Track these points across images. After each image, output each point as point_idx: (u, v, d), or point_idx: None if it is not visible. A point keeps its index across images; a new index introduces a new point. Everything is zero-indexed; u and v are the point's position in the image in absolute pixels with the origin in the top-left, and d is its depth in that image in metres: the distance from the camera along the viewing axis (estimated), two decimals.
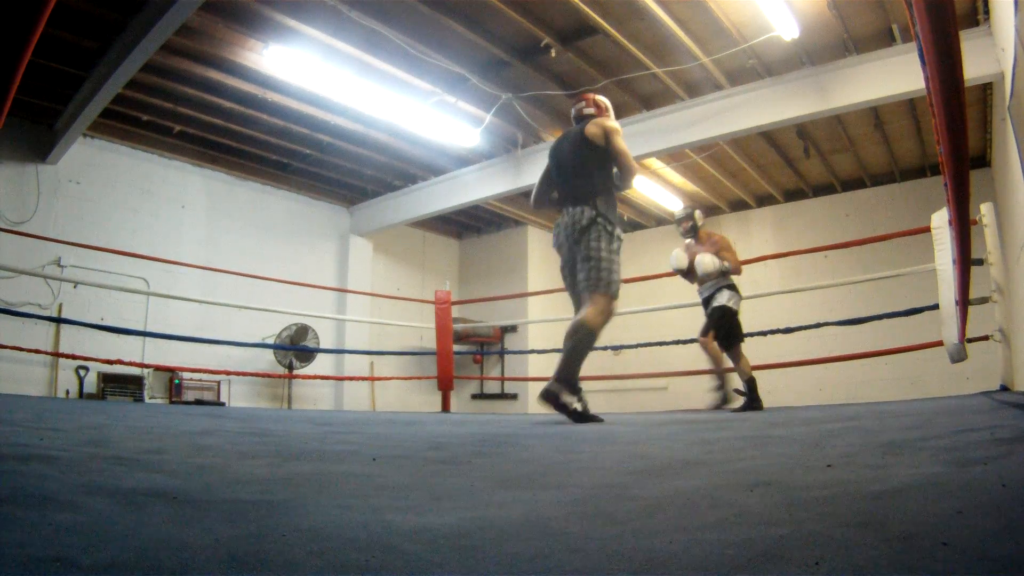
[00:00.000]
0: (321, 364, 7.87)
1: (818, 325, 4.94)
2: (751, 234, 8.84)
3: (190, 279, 6.89)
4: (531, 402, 8.96)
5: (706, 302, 4.60)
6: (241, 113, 6.45)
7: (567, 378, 2.84)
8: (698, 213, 4.78)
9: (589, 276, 2.96)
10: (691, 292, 7.14)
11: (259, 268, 7.23)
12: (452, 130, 6.50)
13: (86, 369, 6.20)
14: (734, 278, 4.56)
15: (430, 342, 7.84)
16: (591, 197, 3.05)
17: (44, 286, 6.19)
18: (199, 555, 0.62)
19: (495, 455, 1.58)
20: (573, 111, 3.43)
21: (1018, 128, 3.28)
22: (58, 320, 5.88)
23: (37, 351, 5.29)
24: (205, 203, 7.58)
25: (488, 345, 9.67)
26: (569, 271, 3.13)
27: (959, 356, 3.57)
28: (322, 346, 7.67)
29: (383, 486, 1.09)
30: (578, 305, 3.08)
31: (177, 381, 6.70)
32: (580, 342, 2.87)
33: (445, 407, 6.42)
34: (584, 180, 3.11)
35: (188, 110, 6.38)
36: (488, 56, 5.58)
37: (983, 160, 6.96)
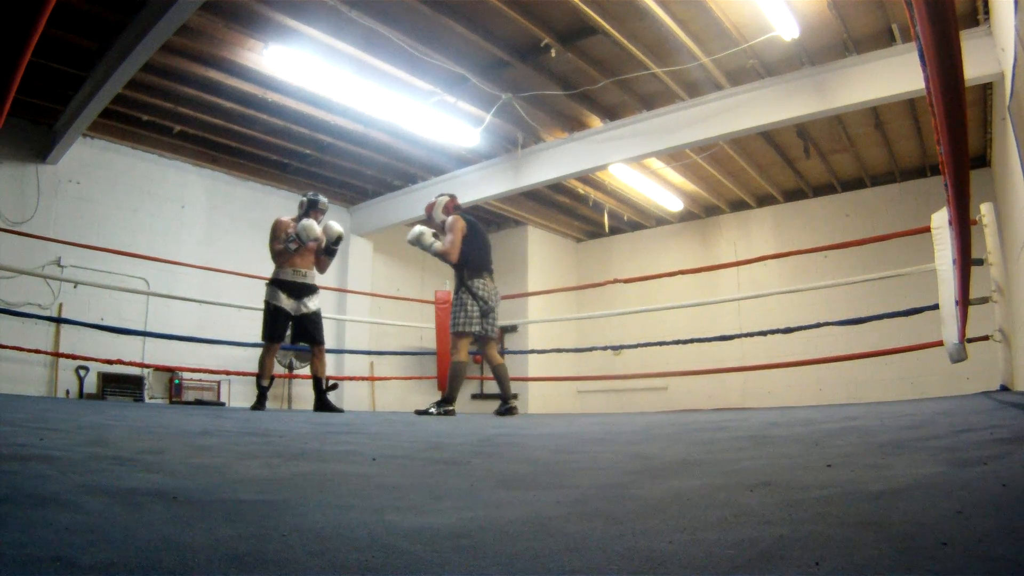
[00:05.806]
0: None
1: (818, 325, 4.94)
2: (751, 234, 8.82)
3: (190, 279, 6.89)
4: (531, 402, 8.96)
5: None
6: (241, 113, 6.45)
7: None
8: None
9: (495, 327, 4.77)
10: (690, 292, 7.13)
11: (259, 268, 7.22)
12: (452, 130, 6.49)
13: (86, 369, 6.20)
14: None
15: (430, 342, 7.85)
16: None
17: (44, 286, 6.19)
18: (199, 555, 0.62)
19: (495, 455, 1.58)
20: (464, 207, 5.20)
21: (1018, 128, 3.28)
22: (58, 320, 5.88)
23: (37, 351, 5.29)
24: (205, 203, 7.58)
25: None
26: (492, 319, 4.71)
27: (959, 356, 3.56)
28: None
29: (383, 486, 1.09)
30: (486, 341, 4.71)
31: (177, 381, 6.69)
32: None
33: None
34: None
35: (188, 110, 6.37)
36: (488, 56, 5.58)
37: (983, 160, 6.95)
